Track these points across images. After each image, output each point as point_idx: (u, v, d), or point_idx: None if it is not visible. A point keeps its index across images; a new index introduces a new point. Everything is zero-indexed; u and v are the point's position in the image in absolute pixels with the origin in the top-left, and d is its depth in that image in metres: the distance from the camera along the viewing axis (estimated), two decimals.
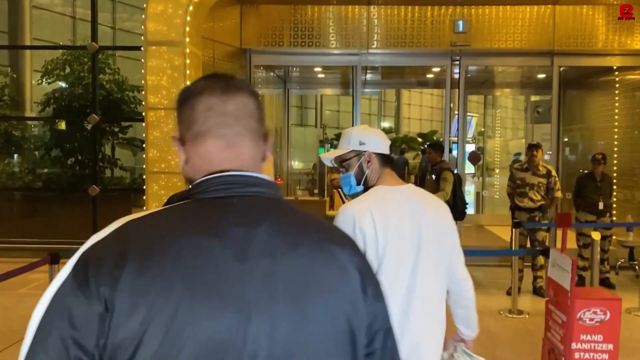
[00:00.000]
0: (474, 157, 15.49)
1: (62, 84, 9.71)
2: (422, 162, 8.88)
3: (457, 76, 9.05)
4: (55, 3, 17.97)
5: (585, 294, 3.42)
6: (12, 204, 9.05)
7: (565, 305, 3.17)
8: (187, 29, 6.37)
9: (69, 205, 8.69)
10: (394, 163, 2.38)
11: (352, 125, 8.60)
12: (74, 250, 0.98)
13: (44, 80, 10.04)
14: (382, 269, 2.00)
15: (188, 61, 6.40)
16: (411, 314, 2.02)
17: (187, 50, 6.38)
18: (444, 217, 2.21)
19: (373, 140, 2.24)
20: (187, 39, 6.37)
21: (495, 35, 8.23)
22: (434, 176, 7.14)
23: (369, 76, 11.60)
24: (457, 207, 7.08)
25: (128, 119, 9.87)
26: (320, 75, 11.69)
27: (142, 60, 6.49)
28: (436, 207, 2.21)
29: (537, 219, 6.95)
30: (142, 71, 6.49)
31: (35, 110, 10.05)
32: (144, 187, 6.52)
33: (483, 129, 16.67)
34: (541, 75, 10.26)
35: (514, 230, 6.44)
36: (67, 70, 9.85)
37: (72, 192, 9.03)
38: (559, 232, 7.34)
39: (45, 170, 9.71)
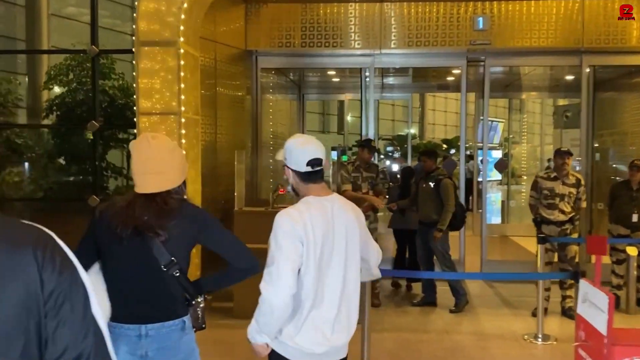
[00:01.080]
0: (501, 165, 14.82)
1: (64, 90, 9.36)
2: (417, 168, 8.32)
3: (478, 78, 8.47)
4: (77, 11, 17.81)
5: (626, 337, 2.73)
6: (11, 214, 8.69)
7: (600, 352, 2.53)
8: (182, 27, 5.90)
9: (68, 216, 8.30)
10: (317, 176, 2.54)
11: (367, 133, 8.06)
12: None
13: (48, 86, 9.72)
14: (315, 264, 2.41)
15: (182, 62, 5.93)
16: (344, 300, 2.50)
17: (182, 50, 5.92)
18: (358, 219, 2.60)
19: (292, 157, 2.49)
20: (182, 39, 5.91)
21: (519, 33, 7.61)
22: (431, 184, 6.64)
23: (389, 79, 11.04)
24: (456, 215, 6.54)
25: (132, 125, 9.46)
26: (336, 79, 11.16)
27: (134, 62, 6.05)
28: (353, 211, 2.60)
29: (568, 231, 6.32)
30: (134, 74, 6.05)
31: (50, 117, 9.73)
32: None
33: (510, 135, 15.96)
34: (569, 77, 9.58)
35: (539, 246, 5.82)
36: (71, 76, 9.51)
37: (72, 202, 8.65)
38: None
39: (47, 180, 9.37)
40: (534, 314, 5.86)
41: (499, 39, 7.62)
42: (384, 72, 9.58)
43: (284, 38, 7.81)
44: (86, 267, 2.07)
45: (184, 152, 6.03)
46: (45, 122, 10.02)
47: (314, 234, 2.40)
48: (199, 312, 2.45)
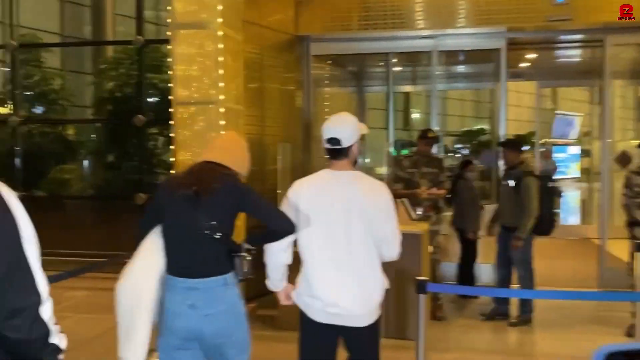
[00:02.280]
0: (624, 158, 13.30)
1: (113, 85, 9.09)
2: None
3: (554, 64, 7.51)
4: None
5: None
6: (61, 213, 8.52)
7: None
8: (220, 7, 5.34)
9: (115, 214, 8.00)
10: (334, 154, 2.83)
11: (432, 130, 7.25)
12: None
13: (100, 79, 9.50)
14: (306, 229, 2.77)
15: (222, 46, 5.38)
16: (352, 270, 2.75)
17: (220, 33, 5.36)
18: (375, 198, 2.78)
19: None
20: (220, 19, 5.35)
21: (606, 6, 6.60)
22: (511, 182, 5.69)
23: (456, 68, 10.13)
24: (543, 219, 5.62)
25: None
26: (397, 69, 10.36)
27: (169, 47, 5.55)
28: (371, 190, 2.81)
29: None
30: (170, 60, 5.55)
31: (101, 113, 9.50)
32: None
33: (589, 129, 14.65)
34: None
35: (634, 254, 4.89)
36: (121, 70, 9.23)
37: (119, 200, 8.34)
38: None
39: (97, 178, 9.12)
40: (630, 334, 4.94)
41: (581, 13, 6.63)
42: (448, 57, 8.71)
43: (340, 20, 7.13)
44: (150, 229, 2.72)
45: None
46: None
47: (303, 202, 2.78)
48: (245, 264, 2.71)
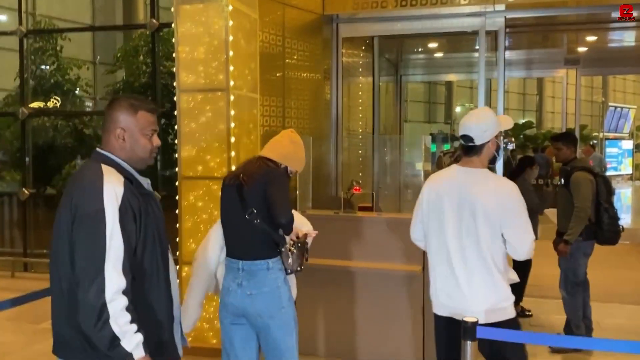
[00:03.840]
0: None
1: (128, 73, 8.46)
2: (538, 159, 6.38)
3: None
4: None
5: None
6: None
7: None
8: None
9: None
10: (466, 151, 2.87)
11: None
12: None
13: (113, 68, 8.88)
14: (428, 223, 2.92)
15: (232, 23, 4.60)
16: (463, 268, 2.79)
17: (230, 7, 4.59)
18: (498, 196, 2.76)
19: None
20: None
21: None
22: (562, 180, 4.83)
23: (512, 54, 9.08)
24: (601, 224, 4.66)
25: None
26: (438, 55, 9.45)
27: (173, 26, 4.81)
28: (495, 187, 2.80)
29: None
30: (173, 41, 4.81)
31: None
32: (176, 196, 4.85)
33: None
34: None
35: None
36: (141, 58, 8.59)
37: None
38: None
39: None
40: None
41: None
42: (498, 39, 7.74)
43: None
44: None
45: (234, 140, 4.78)
46: None
47: (428, 196, 2.91)
48: (289, 258, 2.91)
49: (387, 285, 4.53)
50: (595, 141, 25.02)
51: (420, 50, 9.28)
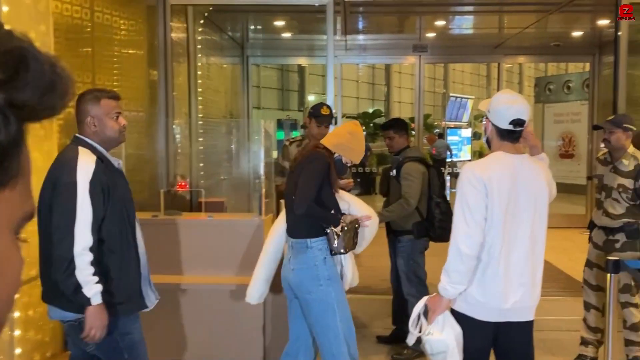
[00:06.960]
0: None
1: None
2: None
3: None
4: None
5: None
6: None
7: None
8: None
9: None
10: (515, 136, 2.64)
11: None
12: None
13: None
14: (500, 219, 2.54)
15: None
16: (531, 260, 2.62)
17: None
18: (548, 180, 2.72)
19: (497, 111, 2.64)
20: None
21: None
22: (395, 171, 4.35)
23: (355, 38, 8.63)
24: (432, 220, 4.24)
25: None
26: (286, 35, 8.77)
27: None
28: (545, 173, 2.73)
29: (617, 245, 4.14)
30: None
31: None
32: None
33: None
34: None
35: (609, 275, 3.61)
36: None
37: None
38: None
39: None
40: None
41: None
42: (349, 21, 7.19)
43: None
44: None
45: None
46: None
47: (498, 188, 2.54)
48: (334, 240, 3.04)
49: (221, 301, 3.77)
50: (438, 130, 26.12)
51: (267, 29, 8.54)
